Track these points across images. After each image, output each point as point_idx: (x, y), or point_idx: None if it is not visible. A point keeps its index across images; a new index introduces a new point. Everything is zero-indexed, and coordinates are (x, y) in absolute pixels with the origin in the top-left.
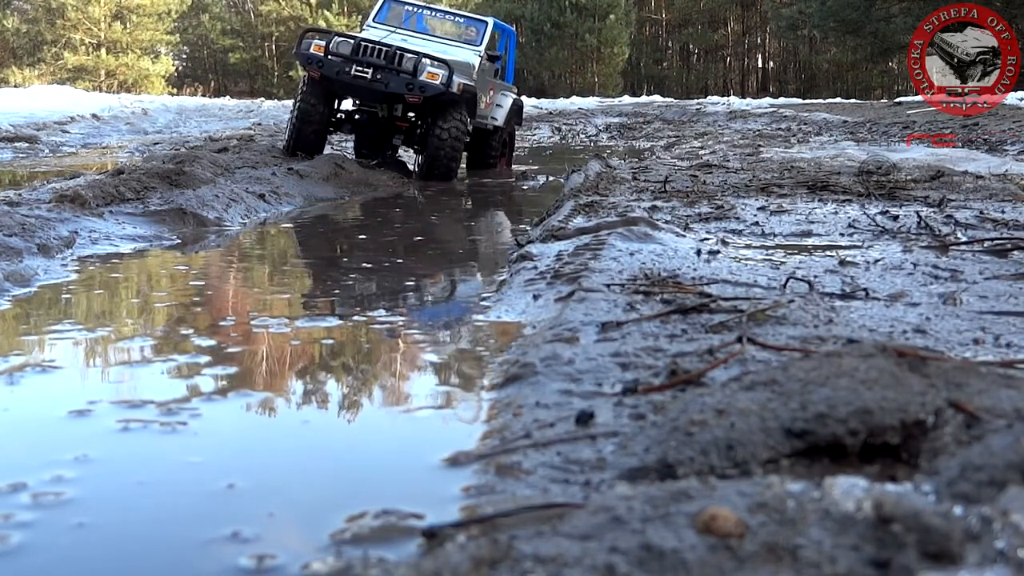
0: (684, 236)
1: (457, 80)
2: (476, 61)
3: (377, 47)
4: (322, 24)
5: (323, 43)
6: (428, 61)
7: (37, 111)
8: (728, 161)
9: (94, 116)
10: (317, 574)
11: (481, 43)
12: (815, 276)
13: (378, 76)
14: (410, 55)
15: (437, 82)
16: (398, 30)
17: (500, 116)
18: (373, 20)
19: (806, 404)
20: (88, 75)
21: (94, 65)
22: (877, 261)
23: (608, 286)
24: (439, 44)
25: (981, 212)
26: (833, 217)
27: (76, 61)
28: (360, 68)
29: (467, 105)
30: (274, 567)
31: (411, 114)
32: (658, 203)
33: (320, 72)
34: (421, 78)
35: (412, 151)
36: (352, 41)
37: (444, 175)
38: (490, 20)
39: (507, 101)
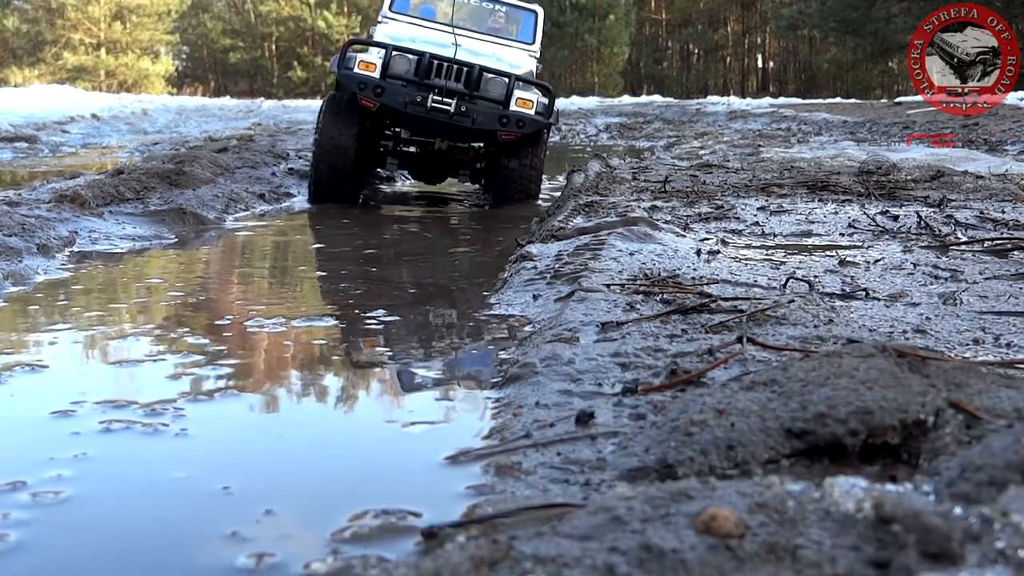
0: (684, 236)
1: (555, 108)
2: (534, 66)
3: (451, 64)
4: (321, 25)
5: (375, 60)
6: (518, 84)
7: (37, 111)
8: (728, 161)
9: (94, 116)
10: (317, 574)
11: (533, 40)
12: (815, 276)
13: (463, 108)
14: (492, 75)
15: (532, 112)
16: (419, 22)
17: None
18: (390, 9)
19: (806, 404)
20: (88, 75)
21: (94, 65)
22: (877, 261)
23: (608, 286)
24: (491, 44)
25: (981, 212)
26: (833, 217)
27: (76, 61)
28: (439, 99)
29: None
30: (274, 566)
31: (476, 144)
32: (658, 203)
33: (378, 102)
34: (514, 108)
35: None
36: (413, 56)
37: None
38: (539, 9)
39: None
